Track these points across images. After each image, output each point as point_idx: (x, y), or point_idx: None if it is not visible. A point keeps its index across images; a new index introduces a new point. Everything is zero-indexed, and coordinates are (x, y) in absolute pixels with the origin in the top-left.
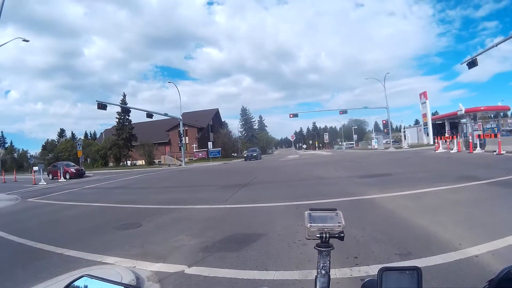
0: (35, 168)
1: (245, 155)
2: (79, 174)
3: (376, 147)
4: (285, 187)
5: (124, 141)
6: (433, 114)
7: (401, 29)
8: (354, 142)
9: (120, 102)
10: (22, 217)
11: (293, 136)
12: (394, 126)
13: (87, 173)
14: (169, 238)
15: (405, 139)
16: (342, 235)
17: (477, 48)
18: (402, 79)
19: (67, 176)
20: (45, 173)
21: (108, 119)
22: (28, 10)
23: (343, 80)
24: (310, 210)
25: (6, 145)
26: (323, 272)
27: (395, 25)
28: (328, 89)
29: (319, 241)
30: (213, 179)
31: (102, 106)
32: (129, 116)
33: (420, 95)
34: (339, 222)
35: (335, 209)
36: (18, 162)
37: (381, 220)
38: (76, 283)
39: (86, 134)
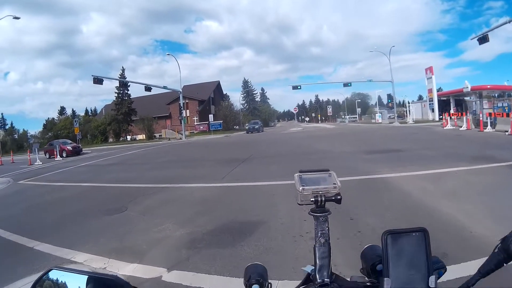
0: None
1: (246, 127)
2: (76, 152)
3: (380, 121)
4: (288, 162)
5: (124, 116)
6: (437, 91)
7: (405, 4)
8: (357, 116)
9: (119, 76)
10: (8, 202)
11: (295, 108)
12: (397, 101)
13: (85, 150)
14: (152, 227)
15: (409, 114)
16: (339, 197)
17: (482, 27)
18: (405, 54)
19: (64, 154)
20: (41, 152)
21: (109, 95)
22: None
23: (346, 53)
24: (300, 172)
25: (7, 127)
26: (322, 240)
27: (399, 0)
28: (331, 62)
29: (313, 206)
30: (212, 153)
31: (97, 80)
32: (128, 90)
33: (426, 70)
34: (334, 183)
35: (328, 170)
36: (18, 143)
37: (401, 207)
38: (45, 277)
39: (86, 111)
